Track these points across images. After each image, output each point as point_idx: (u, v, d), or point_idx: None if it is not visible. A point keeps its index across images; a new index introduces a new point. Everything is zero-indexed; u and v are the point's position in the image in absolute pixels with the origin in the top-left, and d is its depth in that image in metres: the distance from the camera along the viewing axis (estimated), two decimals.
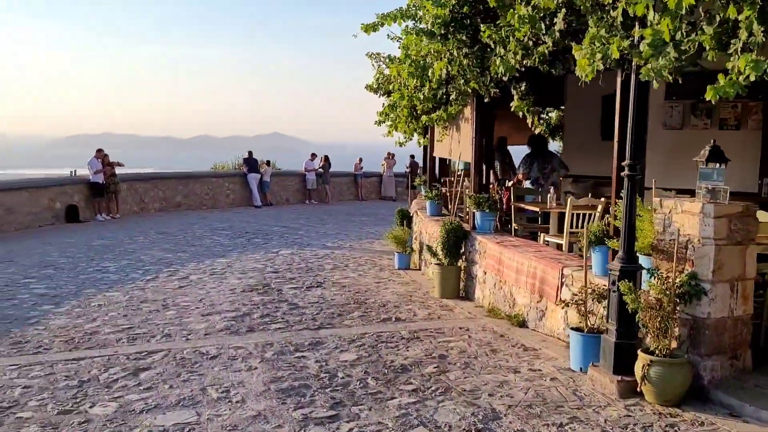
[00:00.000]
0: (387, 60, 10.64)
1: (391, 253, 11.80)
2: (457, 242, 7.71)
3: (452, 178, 11.48)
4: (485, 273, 7.19)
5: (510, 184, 8.75)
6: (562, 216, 7.24)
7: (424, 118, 7.76)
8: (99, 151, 16.33)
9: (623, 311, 4.39)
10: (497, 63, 5.89)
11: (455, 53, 6.32)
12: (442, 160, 12.63)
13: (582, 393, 4.50)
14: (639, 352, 4.31)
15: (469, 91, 6.92)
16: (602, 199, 6.83)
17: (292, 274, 9.47)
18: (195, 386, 4.70)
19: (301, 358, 5.37)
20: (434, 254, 8.00)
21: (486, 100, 6.90)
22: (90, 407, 4.32)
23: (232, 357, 5.40)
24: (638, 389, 4.27)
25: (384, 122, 12.31)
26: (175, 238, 13.42)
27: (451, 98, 7.12)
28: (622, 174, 4.50)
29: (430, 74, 6.99)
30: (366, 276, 9.44)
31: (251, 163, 20.92)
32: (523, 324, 6.30)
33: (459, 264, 7.83)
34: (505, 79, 5.98)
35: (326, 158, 23.11)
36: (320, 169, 22.79)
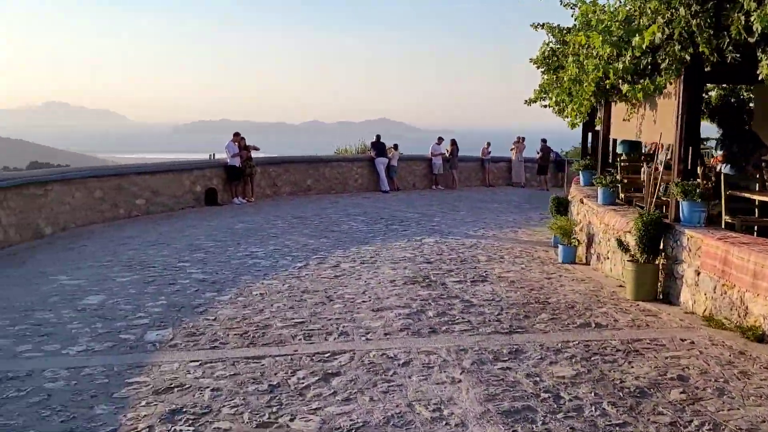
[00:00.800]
0: (557, 30, 9.61)
1: (542, 243, 10.88)
2: (656, 236, 6.66)
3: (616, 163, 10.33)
4: (698, 274, 6.11)
5: (703, 169, 7.56)
6: None
7: (625, 87, 6.71)
8: (236, 134, 16.38)
9: None
10: (741, 20, 4.80)
11: (682, 12, 5.28)
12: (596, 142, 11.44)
13: None
14: None
15: (687, 58, 5.83)
16: None
17: (447, 266, 8.76)
18: (399, 400, 4.06)
19: (506, 370, 4.61)
20: (625, 249, 7.00)
21: (707, 68, 5.79)
22: (290, 420, 3.78)
23: (426, 364, 4.74)
24: None
25: (537, 100, 11.32)
26: (312, 222, 13.13)
27: (662, 67, 6.06)
28: None
29: (635, 41, 5.96)
30: (531, 270, 8.57)
31: (379, 147, 20.45)
32: (762, 338, 5.20)
33: (657, 261, 6.77)
34: (751, 40, 4.88)
35: (454, 142, 22.24)
36: (447, 154, 21.99)
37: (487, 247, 10.52)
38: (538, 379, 4.44)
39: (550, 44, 9.75)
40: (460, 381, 4.39)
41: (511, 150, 24.14)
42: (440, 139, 22.09)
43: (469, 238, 11.51)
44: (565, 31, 9.48)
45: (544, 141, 23.24)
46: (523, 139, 24.17)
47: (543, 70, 10.27)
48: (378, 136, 20.95)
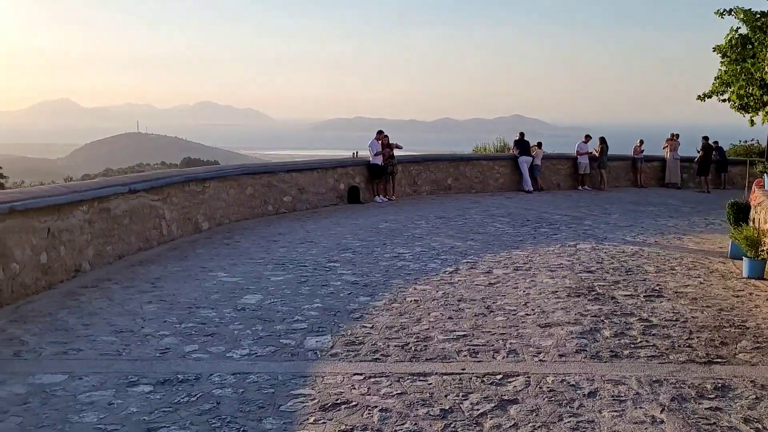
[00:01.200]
0: (750, 15, 8.48)
1: (715, 253, 9.73)
2: None
3: None
4: None
5: None
6: None
7: None
8: (379, 132, 16.33)
9: None
10: None
11: None
12: None
13: None
14: None
15: None
16: None
17: (612, 276, 8.00)
18: None
19: (716, 412, 3.93)
20: None
21: None
22: None
23: (616, 397, 4.16)
24: None
25: (714, 94, 10.14)
26: (456, 223, 12.73)
27: None
28: None
29: None
30: (711, 285, 7.59)
31: (523, 145, 19.64)
32: None
33: None
34: None
35: (603, 140, 20.90)
36: (594, 152, 20.71)
37: (653, 256, 9.56)
38: (759, 426, 3.73)
39: (740, 30, 8.60)
40: (662, 422, 3.78)
41: (664, 148, 22.36)
42: (588, 137, 20.83)
43: (629, 244, 10.58)
44: (758, 15, 8.33)
45: (705, 138, 21.27)
46: (677, 135, 22.28)
47: (724, 60, 9.11)
48: (522, 134, 20.14)
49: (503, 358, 4.93)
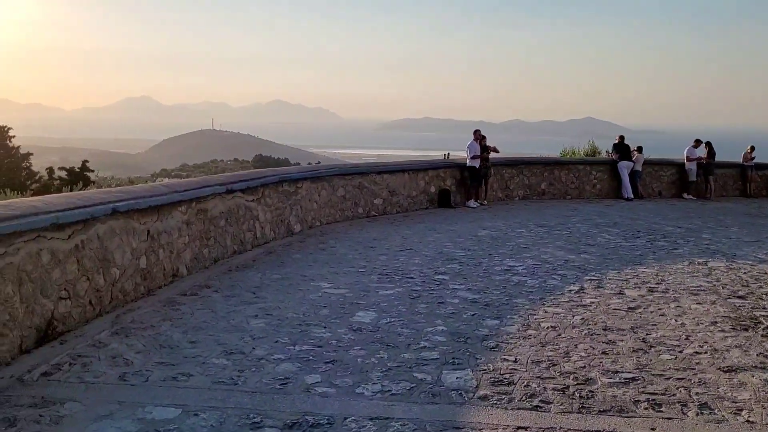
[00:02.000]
0: None
1: None
2: None
3: None
4: None
5: None
6: None
7: None
8: (476, 132, 15.46)
9: None
10: None
11: None
12: None
13: None
14: None
15: None
16: None
17: None
18: None
19: None
20: None
21: None
22: None
23: None
24: None
25: None
26: (561, 233, 11.72)
27: None
28: None
29: None
30: None
31: (622, 149, 18.31)
32: None
33: None
34: None
35: (709, 145, 19.33)
36: (704, 159, 19.16)
37: None
38: None
39: None
40: None
41: None
42: (698, 142, 19.28)
43: (765, 263, 9.32)
44: None
45: None
46: None
47: None
48: (621, 137, 18.82)
49: (696, 414, 3.98)
